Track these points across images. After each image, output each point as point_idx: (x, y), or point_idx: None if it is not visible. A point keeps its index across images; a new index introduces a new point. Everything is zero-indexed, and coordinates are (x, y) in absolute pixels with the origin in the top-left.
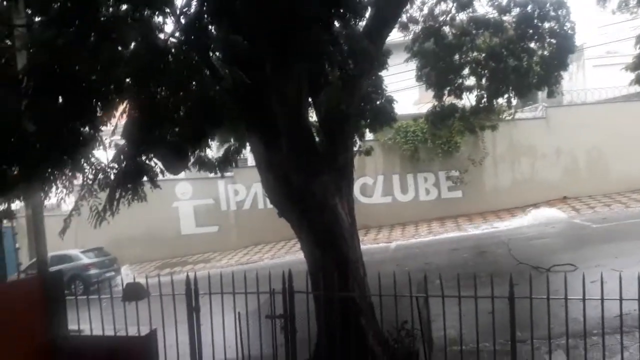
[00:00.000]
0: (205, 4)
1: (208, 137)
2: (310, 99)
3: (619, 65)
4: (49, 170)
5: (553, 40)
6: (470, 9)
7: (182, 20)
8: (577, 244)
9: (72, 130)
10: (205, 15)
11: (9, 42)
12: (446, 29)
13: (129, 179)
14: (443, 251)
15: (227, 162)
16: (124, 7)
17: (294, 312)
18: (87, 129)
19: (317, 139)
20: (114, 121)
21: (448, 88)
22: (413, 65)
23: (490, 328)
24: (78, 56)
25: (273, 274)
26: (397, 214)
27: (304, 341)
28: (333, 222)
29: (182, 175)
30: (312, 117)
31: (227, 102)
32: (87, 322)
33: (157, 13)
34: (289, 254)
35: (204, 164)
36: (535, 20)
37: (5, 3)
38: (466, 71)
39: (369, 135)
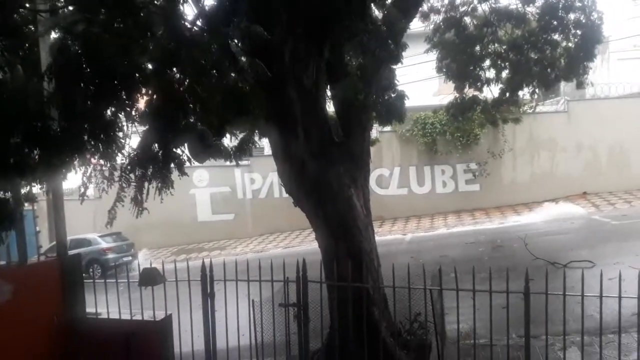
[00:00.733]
0: None
1: (232, 126)
2: (328, 88)
3: None
4: (72, 156)
5: (578, 32)
6: (493, 0)
7: (205, 8)
8: (595, 240)
9: (97, 117)
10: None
11: (32, 28)
12: (467, 19)
13: (158, 167)
14: (458, 244)
15: (242, 150)
16: None
17: (307, 301)
18: (112, 115)
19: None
20: (139, 108)
21: (469, 80)
22: (432, 56)
23: (504, 323)
24: (106, 42)
25: (287, 262)
26: (413, 206)
27: (317, 330)
28: (348, 213)
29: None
30: (330, 107)
31: (249, 91)
32: (104, 305)
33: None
34: (304, 244)
35: (221, 152)
36: (560, 11)
37: None
38: (487, 63)
39: (387, 127)
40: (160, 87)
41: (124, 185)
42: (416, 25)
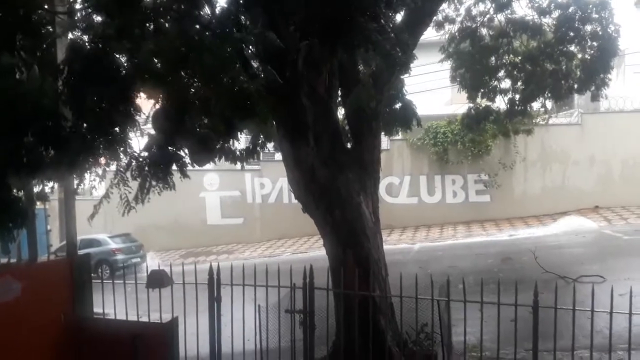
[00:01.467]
0: None
1: (238, 130)
2: (339, 95)
3: None
4: (84, 156)
5: (595, 43)
6: (509, 10)
7: (217, 12)
8: (606, 255)
9: (109, 118)
10: (241, 8)
11: (50, 29)
12: (483, 30)
13: (159, 168)
14: (468, 255)
15: (250, 154)
16: None
17: (314, 307)
18: (123, 116)
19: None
20: (147, 110)
21: (482, 90)
22: (445, 65)
23: (511, 336)
24: (120, 45)
25: (294, 268)
26: (422, 215)
27: (322, 337)
28: (356, 220)
29: (209, 166)
30: (341, 114)
31: (258, 97)
32: (111, 306)
33: (195, 5)
34: (311, 250)
35: (228, 155)
36: (577, 23)
37: None
38: (501, 73)
39: (397, 135)
40: (167, 90)
41: (128, 185)
42: (430, 34)
